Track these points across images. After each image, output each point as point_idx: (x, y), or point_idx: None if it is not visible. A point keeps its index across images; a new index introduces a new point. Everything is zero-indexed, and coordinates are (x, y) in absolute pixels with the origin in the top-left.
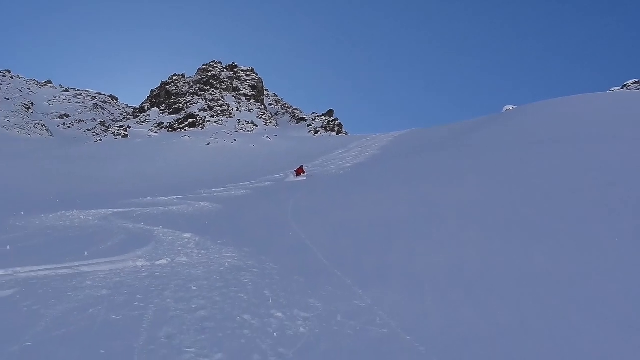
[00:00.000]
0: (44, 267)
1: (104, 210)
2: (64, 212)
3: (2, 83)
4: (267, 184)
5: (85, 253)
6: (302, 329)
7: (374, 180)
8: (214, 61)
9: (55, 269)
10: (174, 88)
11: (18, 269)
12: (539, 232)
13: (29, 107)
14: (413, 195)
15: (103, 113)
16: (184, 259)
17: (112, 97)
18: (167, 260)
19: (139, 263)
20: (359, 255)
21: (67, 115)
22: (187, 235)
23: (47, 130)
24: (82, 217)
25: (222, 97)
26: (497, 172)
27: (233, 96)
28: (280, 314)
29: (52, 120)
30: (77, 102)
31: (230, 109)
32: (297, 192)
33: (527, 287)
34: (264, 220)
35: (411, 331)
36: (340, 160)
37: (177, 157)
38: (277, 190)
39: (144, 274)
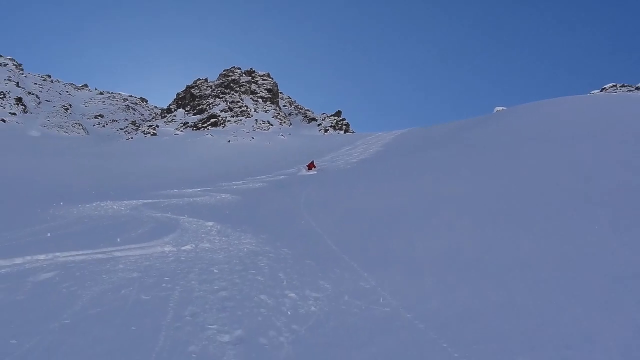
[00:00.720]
0: (80, 252)
1: (134, 201)
2: (98, 202)
3: (43, 87)
4: (281, 177)
5: (118, 239)
6: (313, 308)
7: (378, 175)
8: (233, 67)
9: (91, 253)
10: (197, 91)
11: (57, 254)
12: (526, 221)
13: (68, 109)
14: (413, 188)
15: (134, 113)
16: (207, 244)
17: (142, 99)
18: (191, 246)
19: (166, 248)
20: (364, 242)
21: (101, 116)
22: (210, 223)
23: (83, 129)
24: (115, 207)
25: (241, 99)
26: (490, 168)
27: (251, 98)
28: (293, 294)
29: (88, 120)
30: (110, 103)
31: (248, 110)
32: (309, 185)
33: (516, 271)
34: (279, 210)
35: (411, 310)
36: (348, 156)
37: (201, 154)
38: (290, 183)
39: (171, 259)
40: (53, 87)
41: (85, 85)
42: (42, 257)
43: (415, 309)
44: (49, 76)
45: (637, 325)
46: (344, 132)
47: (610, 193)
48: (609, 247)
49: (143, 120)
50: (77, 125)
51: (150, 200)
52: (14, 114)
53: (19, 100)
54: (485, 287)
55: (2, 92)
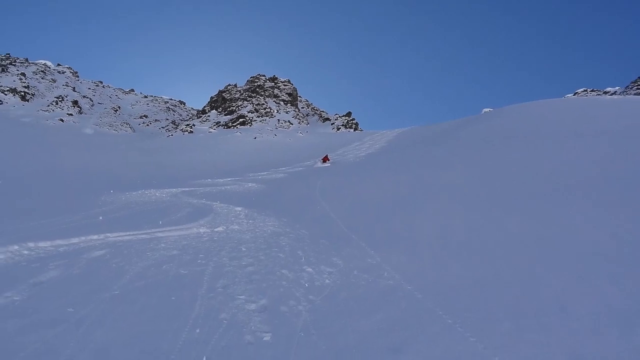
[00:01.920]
0: (128, 233)
1: (174, 189)
2: (143, 190)
3: (95, 91)
4: (300, 169)
5: (160, 222)
6: (327, 281)
7: (383, 167)
8: (259, 74)
9: (137, 234)
10: (228, 95)
11: (108, 234)
12: (511, 207)
13: (117, 110)
14: (413, 178)
15: (173, 114)
16: (236, 226)
17: (181, 102)
18: (223, 227)
19: (202, 230)
20: (370, 224)
21: (146, 116)
22: (239, 208)
23: (130, 128)
24: (157, 194)
25: (266, 102)
26: (479, 161)
27: (274, 101)
28: (310, 269)
29: (134, 120)
30: (153, 105)
31: (271, 111)
32: (323, 176)
33: (501, 249)
34: (298, 197)
35: (411, 282)
36: (357, 151)
37: (231, 149)
38: (308, 174)
39: (205, 239)
40: (104, 91)
41: (132, 90)
42: (95, 237)
43: (414, 282)
44: (101, 82)
45: (606, 297)
46: (354, 130)
47: (586, 182)
48: (584, 229)
49: (181, 120)
50: (125, 124)
51: (187, 189)
52: (71, 114)
53: (75, 102)
54: (475, 264)
55: (60, 95)
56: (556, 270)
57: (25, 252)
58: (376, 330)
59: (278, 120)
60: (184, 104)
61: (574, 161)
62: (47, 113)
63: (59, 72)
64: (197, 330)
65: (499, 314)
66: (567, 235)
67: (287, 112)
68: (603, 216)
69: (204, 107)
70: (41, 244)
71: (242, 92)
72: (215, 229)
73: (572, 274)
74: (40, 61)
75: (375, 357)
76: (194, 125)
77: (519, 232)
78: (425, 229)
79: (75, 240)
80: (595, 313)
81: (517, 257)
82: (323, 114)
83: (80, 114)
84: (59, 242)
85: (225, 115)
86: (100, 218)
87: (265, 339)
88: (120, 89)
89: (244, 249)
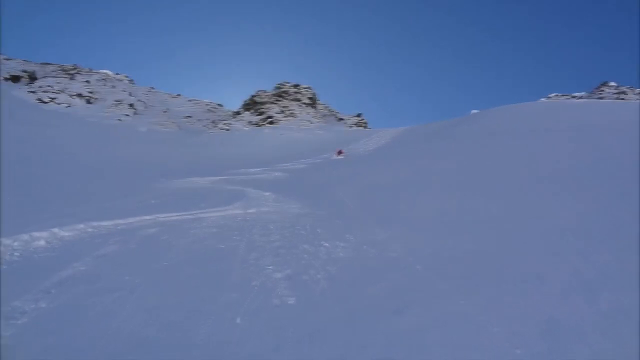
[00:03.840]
0: (175, 214)
1: (213, 178)
2: (188, 178)
3: (148, 96)
4: (318, 160)
5: (202, 205)
6: (341, 254)
7: (388, 158)
8: (284, 82)
9: (182, 215)
10: (259, 99)
11: (159, 215)
12: (494, 191)
13: (166, 111)
14: (413, 168)
15: (213, 115)
16: (265, 209)
17: (219, 104)
18: (254, 209)
19: (236, 211)
20: (378, 206)
21: (190, 116)
22: (267, 193)
23: (177, 126)
24: (200, 182)
25: (290, 105)
26: (469, 154)
27: (297, 104)
28: (327, 244)
29: (181, 119)
30: (196, 108)
31: (295, 112)
32: (338, 166)
33: (486, 225)
34: (317, 184)
35: (412, 255)
36: (366, 145)
37: (261, 144)
38: (325, 165)
39: (239, 219)
40: (155, 96)
41: (179, 95)
42: (147, 217)
43: (415, 255)
44: (153, 88)
45: (576, 268)
46: (364, 129)
47: (557, 171)
48: (556, 210)
49: (219, 120)
50: (172, 123)
51: (225, 177)
52: (128, 115)
53: (131, 105)
54: (465, 239)
55: (119, 99)
56: (533, 245)
57: (89, 229)
58: (382, 295)
59: (300, 120)
60: (222, 106)
61: (547, 153)
62: (107, 114)
63: (117, 79)
64: (233, 295)
65: (485, 281)
66: (542, 214)
67: (307, 113)
68: (572, 200)
69: (239, 109)
70: (103, 223)
71: (270, 96)
72: (248, 211)
73: (547, 249)
74: (102, 70)
75: (380, 318)
76: (230, 124)
77: (500, 211)
78: (424, 210)
79: (131, 220)
80: (566, 281)
81: (501, 234)
82: (338, 115)
83: (135, 114)
84: (118, 221)
85: (256, 115)
86: (152, 201)
87: (289, 302)
88: (168, 93)
89: (272, 227)
